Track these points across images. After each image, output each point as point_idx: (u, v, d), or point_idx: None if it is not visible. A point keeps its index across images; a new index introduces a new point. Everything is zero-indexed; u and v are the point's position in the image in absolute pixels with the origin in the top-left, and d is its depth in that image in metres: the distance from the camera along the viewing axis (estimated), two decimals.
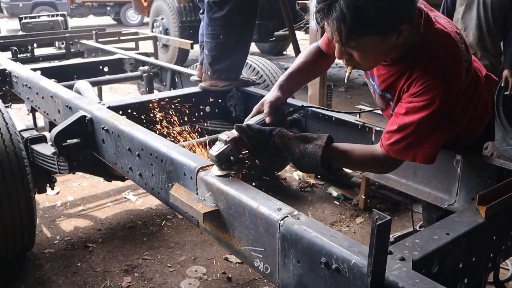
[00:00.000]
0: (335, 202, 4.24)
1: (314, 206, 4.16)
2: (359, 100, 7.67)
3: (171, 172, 2.10)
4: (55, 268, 3.30)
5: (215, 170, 1.89)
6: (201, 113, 3.31)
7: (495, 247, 1.79)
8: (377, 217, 1.23)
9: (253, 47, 11.03)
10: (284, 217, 1.58)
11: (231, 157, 1.86)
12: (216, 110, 3.37)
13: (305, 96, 4.57)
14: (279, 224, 1.58)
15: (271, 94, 2.13)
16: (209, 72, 3.24)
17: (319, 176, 4.64)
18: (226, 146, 1.86)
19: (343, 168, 1.91)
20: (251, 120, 2.05)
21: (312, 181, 4.54)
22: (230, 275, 3.20)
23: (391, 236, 3.61)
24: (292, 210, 1.62)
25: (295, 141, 1.85)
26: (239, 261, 3.35)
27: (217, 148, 1.87)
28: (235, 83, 3.29)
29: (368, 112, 2.52)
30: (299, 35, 10.78)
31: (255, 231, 1.69)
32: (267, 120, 2.02)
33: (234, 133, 1.90)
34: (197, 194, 1.95)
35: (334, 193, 4.33)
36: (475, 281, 1.78)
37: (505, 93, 4.51)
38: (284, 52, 11.72)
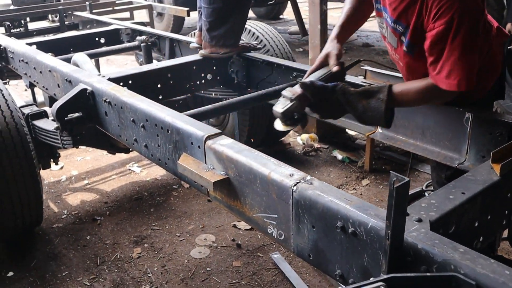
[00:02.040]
0: (340, 165, 4.22)
1: (320, 170, 4.15)
2: None
3: (178, 142, 2.07)
4: (64, 242, 3.30)
5: (279, 125, 1.99)
6: (203, 81, 3.25)
7: (510, 204, 1.77)
8: (395, 179, 1.20)
9: (249, 12, 10.85)
10: (297, 183, 1.55)
11: (295, 114, 1.95)
12: (218, 78, 3.31)
13: (306, 60, 4.50)
14: (292, 190, 1.55)
15: (333, 46, 2.16)
16: (208, 39, 3.17)
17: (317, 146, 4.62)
18: (291, 103, 1.94)
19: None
20: (312, 76, 2.08)
21: (316, 145, 4.51)
22: (239, 242, 3.21)
23: None
24: (304, 175, 1.59)
25: (358, 96, 1.89)
26: (248, 227, 3.35)
27: (282, 105, 1.95)
28: (236, 49, 3.22)
29: (375, 73, 2.47)
30: None
31: (267, 198, 1.67)
32: (335, 69, 2.06)
33: (297, 89, 1.95)
34: (205, 163, 1.92)
35: (339, 156, 4.30)
36: (490, 238, 1.77)
37: (509, 47, 4.43)
38: (281, 16, 11.53)
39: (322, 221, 1.49)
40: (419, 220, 1.41)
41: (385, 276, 1.17)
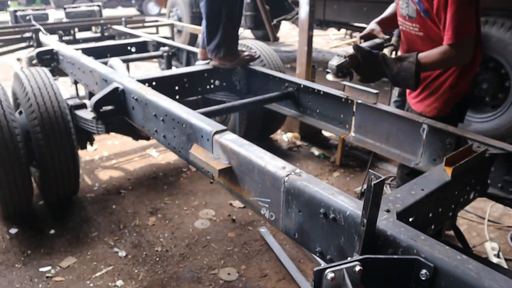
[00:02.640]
0: (317, 159, 4.14)
1: (300, 162, 4.06)
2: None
3: (190, 134, 1.97)
4: (95, 209, 3.19)
5: (330, 77, 2.09)
6: (212, 86, 3.15)
7: (456, 199, 1.70)
8: (373, 176, 1.12)
9: (249, 34, 10.72)
10: (288, 174, 1.47)
11: (345, 69, 2.04)
12: (224, 84, 3.20)
13: (293, 73, 4.40)
14: (284, 180, 1.47)
15: (376, 26, 2.24)
16: (210, 53, 3.03)
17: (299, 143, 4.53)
18: (345, 60, 2.02)
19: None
20: (362, 44, 2.09)
21: (298, 142, 4.42)
22: (234, 217, 3.12)
23: (361, 187, 3.53)
24: (294, 168, 1.51)
25: (394, 60, 1.99)
26: (242, 206, 3.27)
27: (337, 60, 2.03)
28: (241, 62, 3.10)
29: (351, 88, 2.38)
30: (285, 24, 10.48)
31: (262, 185, 1.58)
32: (380, 36, 2.17)
33: (350, 51, 2.02)
34: (212, 153, 1.83)
35: (316, 153, 4.22)
36: (439, 226, 1.70)
37: None
38: None
39: (307, 207, 1.41)
40: (388, 211, 1.34)
41: (360, 257, 1.10)
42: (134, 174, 3.76)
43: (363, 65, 2.02)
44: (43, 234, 2.89)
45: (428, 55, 1.97)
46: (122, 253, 2.70)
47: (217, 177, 1.78)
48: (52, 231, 2.91)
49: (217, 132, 1.81)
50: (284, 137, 4.58)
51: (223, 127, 1.84)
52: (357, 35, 2.29)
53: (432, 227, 1.60)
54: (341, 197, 1.32)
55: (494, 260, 2.66)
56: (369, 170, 1.13)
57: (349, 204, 1.29)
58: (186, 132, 2.00)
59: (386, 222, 1.24)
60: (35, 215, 3.10)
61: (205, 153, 1.85)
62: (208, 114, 2.38)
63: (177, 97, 2.98)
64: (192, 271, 2.58)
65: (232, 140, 1.73)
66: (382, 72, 2.03)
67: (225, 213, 3.19)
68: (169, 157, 4.10)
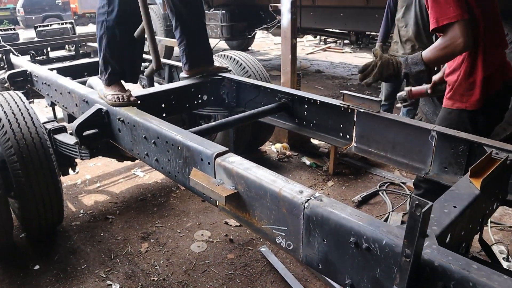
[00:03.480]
0: (309, 169, 3.99)
1: (292, 173, 3.90)
2: (314, 84, 7.41)
3: (188, 158, 1.78)
4: (82, 238, 2.94)
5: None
6: (200, 101, 2.95)
7: (483, 212, 1.56)
8: (417, 202, 0.96)
9: (224, 45, 10.57)
10: (308, 200, 1.30)
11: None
12: (212, 98, 3.02)
13: (278, 82, 4.25)
14: (304, 206, 1.29)
15: None
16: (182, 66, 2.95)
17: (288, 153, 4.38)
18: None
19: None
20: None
21: (288, 152, 4.27)
22: (231, 237, 2.93)
23: (358, 196, 3.39)
24: (312, 192, 1.33)
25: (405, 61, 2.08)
26: (238, 224, 3.07)
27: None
28: (206, 70, 2.95)
29: (351, 96, 2.24)
30: (258, 33, 10.36)
31: (277, 212, 1.40)
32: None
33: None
34: (215, 177, 1.64)
35: (307, 162, 4.07)
36: (468, 243, 1.55)
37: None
38: (249, 48, 11.27)
39: (334, 235, 1.24)
40: (425, 235, 1.17)
41: None
42: (120, 197, 3.52)
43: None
44: (26, 270, 2.62)
45: (428, 49, 2.03)
46: (115, 286, 2.47)
47: (223, 204, 1.59)
48: (36, 267, 2.65)
49: (219, 155, 1.63)
50: (273, 148, 4.41)
51: (225, 148, 1.66)
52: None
53: (463, 245, 1.45)
54: (374, 223, 1.16)
55: (505, 264, 2.55)
56: (413, 195, 0.97)
57: (385, 232, 1.12)
58: (182, 155, 1.81)
59: (430, 250, 1.08)
60: (17, 250, 2.83)
61: (207, 178, 1.66)
62: (201, 133, 2.20)
63: (164, 114, 2.77)
64: None
65: (237, 163, 1.55)
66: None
67: (222, 233, 2.99)
68: (156, 176, 3.87)
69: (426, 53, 2.03)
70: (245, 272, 2.59)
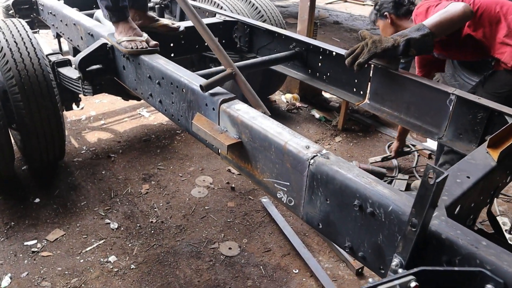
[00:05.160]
0: (317, 123, 3.90)
1: (300, 125, 3.83)
2: (330, 35, 7.13)
3: (192, 102, 1.70)
4: (83, 175, 2.94)
5: None
6: None
7: (496, 185, 1.49)
8: (431, 171, 0.88)
9: None
10: (314, 156, 1.23)
11: None
12: (223, 41, 2.89)
13: (294, 30, 4.06)
14: (309, 163, 1.23)
15: None
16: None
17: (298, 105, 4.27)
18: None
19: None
20: None
21: (298, 104, 4.16)
22: (233, 185, 2.90)
23: (376, 158, 3.29)
24: (319, 149, 1.26)
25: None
26: None
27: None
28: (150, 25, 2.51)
29: None
30: None
31: (280, 166, 1.34)
32: None
33: None
34: (219, 124, 1.57)
35: (317, 115, 3.97)
36: (476, 216, 1.50)
37: None
38: None
39: (337, 196, 1.18)
40: (436, 206, 1.10)
41: (415, 270, 0.88)
42: (124, 136, 3.48)
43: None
44: (27, 203, 2.64)
45: (428, 18, 1.97)
46: (114, 225, 2.49)
47: (225, 153, 1.53)
48: (37, 200, 2.67)
49: (224, 101, 1.55)
50: (283, 98, 4.30)
51: (231, 95, 1.58)
52: None
53: (471, 216, 1.39)
54: (381, 188, 1.09)
55: (507, 235, 2.51)
56: (428, 164, 0.89)
57: (392, 198, 1.06)
58: (187, 98, 1.73)
59: (438, 222, 1.02)
60: (18, 182, 2.84)
61: (210, 125, 1.59)
62: (209, 77, 2.09)
63: (172, 55, 2.66)
64: (190, 245, 2.38)
65: (243, 111, 1.47)
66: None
67: (223, 180, 2.97)
68: (162, 117, 3.81)
69: (427, 20, 1.94)
70: (244, 221, 2.59)
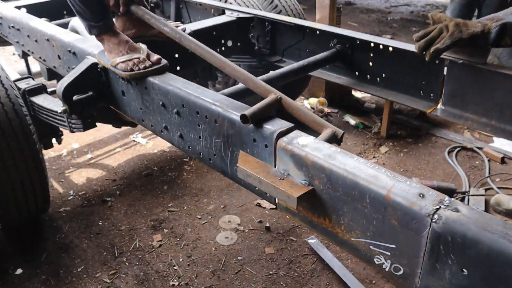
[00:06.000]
0: (355, 131, 3.70)
1: None
2: (345, 19, 6.96)
3: (232, 136, 1.49)
4: (75, 229, 2.72)
5: None
6: (223, 48, 2.62)
7: None
8: None
9: None
10: (437, 209, 1.02)
11: None
12: (238, 44, 2.68)
13: (313, 18, 3.86)
14: (431, 219, 1.01)
15: None
16: None
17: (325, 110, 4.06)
18: None
19: None
20: None
21: (326, 109, 3.96)
22: (267, 224, 2.69)
23: (431, 183, 3.08)
24: (441, 197, 1.05)
25: None
26: (274, 206, 2.82)
27: None
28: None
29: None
30: None
31: (380, 222, 1.13)
32: None
33: None
34: (275, 166, 1.36)
35: (352, 122, 3.77)
36: None
37: None
38: None
39: (483, 266, 0.97)
40: None
41: None
42: (120, 173, 3.26)
43: None
44: (5, 276, 2.41)
45: None
46: None
47: (294, 208, 1.31)
48: (19, 271, 2.44)
49: (282, 134, 1.33)
50: (306, 103, 4.10)
51: (290, 124, 1.37)
52: None
53: None
54: None
55: None
56: None
57: None
58: (222, 132, 1.52)
59: None
60: None
61: (264, 168, 1.38)
62: (238, 96, 1.88)
63: (178, 68, 2.46)
64: None
65: (312, 147, 1.26)
66: None
67: (254, 218, 2.75)
68: (162, 143, 3.60)
69: None
70: (290, 272, 2.37)
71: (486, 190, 2.94)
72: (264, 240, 2.59)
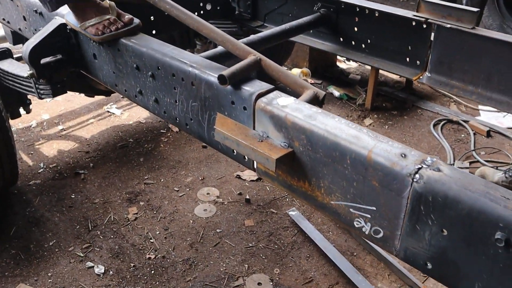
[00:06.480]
0: (339, 102, 3.71)
1: None
2: None
3: (209, 99, 1.48)
4: (46, 203, 2.69)
5: None
6: (201, 12, 2.59)
7: None
8: None
9: None
10: (418, 169, 1.03)
11: None
12: (218, 8, 2.65)
13: None
14: (412, 179, 1.03)
15: None
16: None
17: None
18: None
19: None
20: None
21: (310, 80, 3.96)
22: (247, 196, 2.70)
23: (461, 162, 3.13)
24: (423, 156, 1.07)
25: None
26: (254, 178, 2.85)
27: None
28: None
29: (432, 4, 1.91)
30: None
31: (361, 184, 1.14)
32: None
33: None
34: (254, 128, 1.36)
35: (336, 93, 3.78)
36: None
37: None
38: None
39: (464, 226, 0.99)
40: None
41: None
42: (93, 144, 3.23)
43: None
44: None
45: None
46: (99, 269, 2.26)
47: (273, 170, 1.31)
48: None
49: (261, 95, 1.33)
50: None
51: (270, 86, 1.37)
52: None
53: None
54: None
55: None
56: None
57: None
58: (199, 95, 1.51)
59: None
60: None
61: (242, 130, 1.37)
62: (219, 60, 1.87)
63: (154, 32, 2.42)
64: (207, 285, 2.18)
65: (292, 108, 1.26)
66: None
67: (234, 190, 2.77)
68: (138, 114, 3.57)
69: None
70: (270, 244, 2.39)
71: (470, 163, 2.99)
72: (244, 212, 2.61)
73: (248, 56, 1.53)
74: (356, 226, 1.22)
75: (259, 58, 1.51)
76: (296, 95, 1.44)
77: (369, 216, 1.18)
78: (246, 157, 1.44)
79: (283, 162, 1.29)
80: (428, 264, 1.10)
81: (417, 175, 1.03)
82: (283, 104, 1.29)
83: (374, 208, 1.15)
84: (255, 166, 1.46)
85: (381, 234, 1.17)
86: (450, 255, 1.05)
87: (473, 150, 3.11)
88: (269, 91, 1.35)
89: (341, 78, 4.04)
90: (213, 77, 1.43)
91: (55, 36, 2.00)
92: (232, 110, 1.42)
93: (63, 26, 1.99)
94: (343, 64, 4.24)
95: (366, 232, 1.21)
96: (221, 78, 1.37)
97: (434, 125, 3.37)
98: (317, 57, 4.02)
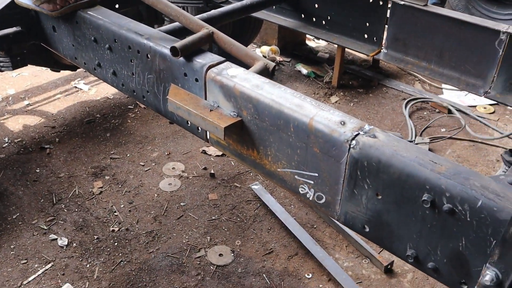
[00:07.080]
0: (306, 80, 3.74)
1: (285, 85, 3.63)
2: None
3: (163, 71, 1.50)
4: (10, 177, 2.68)
5: None
6: None
7: None
8: None
9: None
10: (356, 135, 1.07)
11: None
12: None
13: None
14: (350, 145, 1.07)
15: None
16: None
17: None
18: None
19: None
20: None
21: (278, 57, 3.98)
22: (212, 171, 2.73)
23: (426, 138, 3.20)
24: (360, 124, 1.11)
25: None
26: (219, 153, 2.87)
27: None
28: None
29: None
30: None
31: (304, 151, 1.19)
32: None
33: None
34: (206, 99, 1.39)
35: (304, 71, 3.81)
36: None
37: None
38: None
39: (395, 189, 1.04)
40: None
41: None
42: (59, 120, 3.21)
43: None
44: None
45: None
46: (62, 241, 2.28)
47: (219, 137, 1.35)
48: None
49: (212, 66, 1.35)
50: (258, 51, 4.10)
51: (221, 58, 1.39)
52: None
53: None
54: (461, 175, 0.95)
55: None
56: None
57: (480, 188, 0.92)
58: (154, 67, 1.52)
59: None
60: None
61: (194, 100, 1.40)
62: (178, 35, 1.88)
63: (117, 6, 2.41)
64: (169, 256, 2.22)
65: (241, 78, 1.29)
66: None
67: (199, 165, 2.79)
68: (106, 90, 3.55)
69: None
70: (233, 217, 2.44)
71: (431, 140, 3.07)
72: (208, 186, 2.64)
73: (201, 30, 1.54)
74: (301, 192, 1.26)
75: (211, 32, 1.52)
76: (249, 67, 1.47)
77: (312, 182, 1.22)
78: (199, 128, 1.47)
79: (232, 131, 1.32)
80: (366, 227, 1.15)
81: (353, 141, 1.08)
82: (232, 74, 1.32)
83: (316, 175, 1.20)
84: (208, 137, 1.49)
85: (323, 200, 1.22)
86: (385, 217, 1.10)
87: (432, 127, 3.20)
88: (220, 63, 1.38)
89: (310, 56, 4.07)
90: (166, 50, 1.45)
91: (12, 8, 1.98)
92: (185, 82, 1.44)
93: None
94: (312, 42, 4.27)
95: (310, 198, 1.25)
96: (173, 50, 1.39)
97: (406, 105, 3.43)
98: (286, 35, 4.03)
